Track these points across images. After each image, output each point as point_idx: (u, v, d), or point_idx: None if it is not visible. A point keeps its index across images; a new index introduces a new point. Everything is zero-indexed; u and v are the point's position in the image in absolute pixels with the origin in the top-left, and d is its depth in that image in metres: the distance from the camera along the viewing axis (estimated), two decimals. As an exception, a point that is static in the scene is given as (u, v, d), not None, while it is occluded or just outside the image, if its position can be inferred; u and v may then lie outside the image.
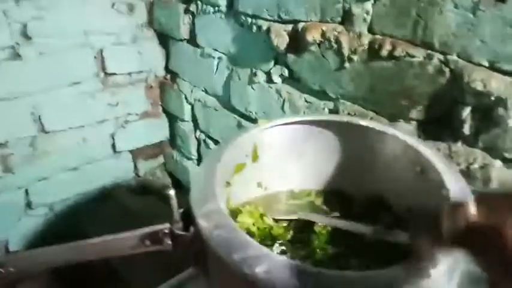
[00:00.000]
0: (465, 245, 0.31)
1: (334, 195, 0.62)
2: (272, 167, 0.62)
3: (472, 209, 0.30)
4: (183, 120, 1.23)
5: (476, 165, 0.59)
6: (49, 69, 1.05)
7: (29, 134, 1.07)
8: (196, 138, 1.22)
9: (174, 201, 0.42)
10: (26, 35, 0.98)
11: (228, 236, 0.40)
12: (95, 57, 1.11)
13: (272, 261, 0.37)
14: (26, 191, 1.12)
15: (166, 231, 0.44)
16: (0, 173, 1.06)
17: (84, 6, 1.05)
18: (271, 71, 0.88)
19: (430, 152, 0.50)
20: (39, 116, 1.07)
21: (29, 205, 1.14)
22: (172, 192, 0.41)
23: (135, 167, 1.33)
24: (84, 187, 1.23)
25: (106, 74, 1.15)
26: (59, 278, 1.03)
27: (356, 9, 0.67)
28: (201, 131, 1.19)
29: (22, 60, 1.00)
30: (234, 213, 0.55)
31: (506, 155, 0.56)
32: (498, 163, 0.57)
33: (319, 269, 0.36)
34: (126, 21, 1.13)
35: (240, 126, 1.03)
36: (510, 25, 0.51)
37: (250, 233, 0.54)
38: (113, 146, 1.25)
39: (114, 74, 1.16)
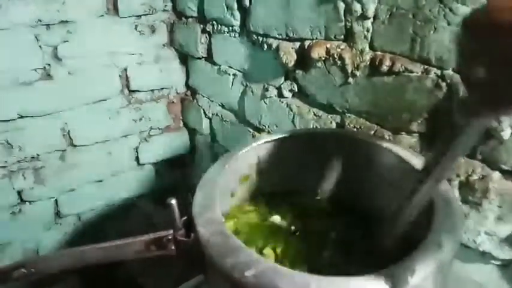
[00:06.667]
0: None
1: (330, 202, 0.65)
2: (276, 177, 0.66)
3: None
4: (202, 134, 1.28)
5: (475, 177, 0.60)
6: (77, 88, 1.12)
7: (59, 148, 1.15)
8: (214, 150, 1.27)
9: (175, 210, 0.46)
10: (56, 57, 1.06)
11: (222, 242, 0.43)
12: (119, 76, 1.18)
13: (260, 266, 0.40)
14: (56, 201, 1.20)
15: (170, 237, 0.48)
16: (32, 184, 1.14)
17: (110, 29, 1.12)
18: (281, 86, 0.91)
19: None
20: (69, 131, 1.14)
21: (58, 214, 1.22)
22: (173, 201, 0.45)
23: (158, 178, 1.39)
24: (110, 198, 1.30)
25: (130, 91, 1.22)
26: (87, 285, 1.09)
27: (357, 27, 0.70)
28: (219, 144, 1.23)
29: (53, 80, 1.08)
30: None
31: (504, 166, 0.57)
32: (497, 174, 0.58)
33: (298, 272, 0.39)
34: (148, 42, 1.20)
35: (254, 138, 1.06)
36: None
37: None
38: (137, 158, 1.31)
39: (138, 91, 1.23)
